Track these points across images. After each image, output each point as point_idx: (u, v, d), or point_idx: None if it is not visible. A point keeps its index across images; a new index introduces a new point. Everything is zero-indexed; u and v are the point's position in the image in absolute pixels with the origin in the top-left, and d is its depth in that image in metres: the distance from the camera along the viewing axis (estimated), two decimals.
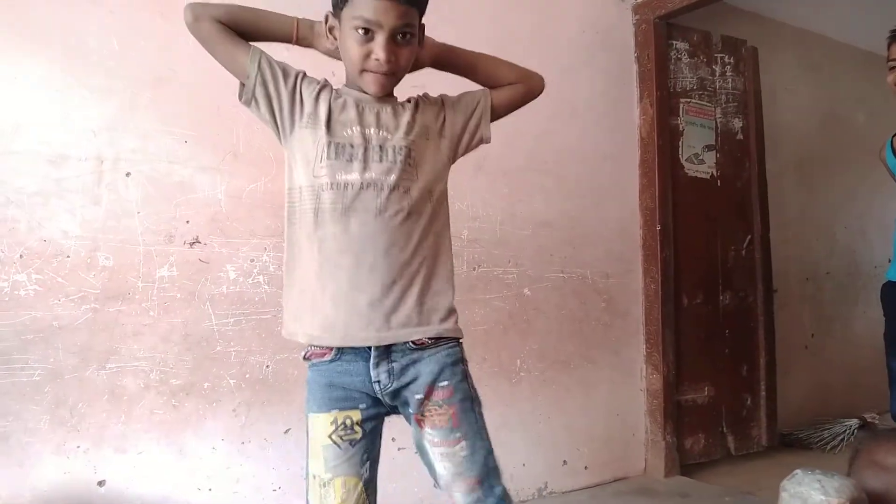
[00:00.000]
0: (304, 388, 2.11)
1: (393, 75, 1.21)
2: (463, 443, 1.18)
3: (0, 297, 1.73)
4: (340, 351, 1.18)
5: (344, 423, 1.17)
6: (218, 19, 1.20)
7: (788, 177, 3.64)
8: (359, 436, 1.18)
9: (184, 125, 1.98)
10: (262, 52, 1.22)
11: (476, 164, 2.42)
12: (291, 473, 2.05)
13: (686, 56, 3.09)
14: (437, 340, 1.21)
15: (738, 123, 3.23)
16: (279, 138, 1.24)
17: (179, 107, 1.98)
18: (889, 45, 2.15)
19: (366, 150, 1.19)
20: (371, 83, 1.20)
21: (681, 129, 3.04)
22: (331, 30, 1.24)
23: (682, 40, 3.07)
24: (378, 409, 1.21)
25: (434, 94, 1.34)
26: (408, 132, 1.23)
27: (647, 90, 2.95)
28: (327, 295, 1.17)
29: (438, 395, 1.19)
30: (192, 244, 1.98)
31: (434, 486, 1.24)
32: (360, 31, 1.15)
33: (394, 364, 1.18)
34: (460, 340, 1.27)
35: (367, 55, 1.17)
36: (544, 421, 2.59)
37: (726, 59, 3.21)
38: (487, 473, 1.19)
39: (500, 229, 2.52)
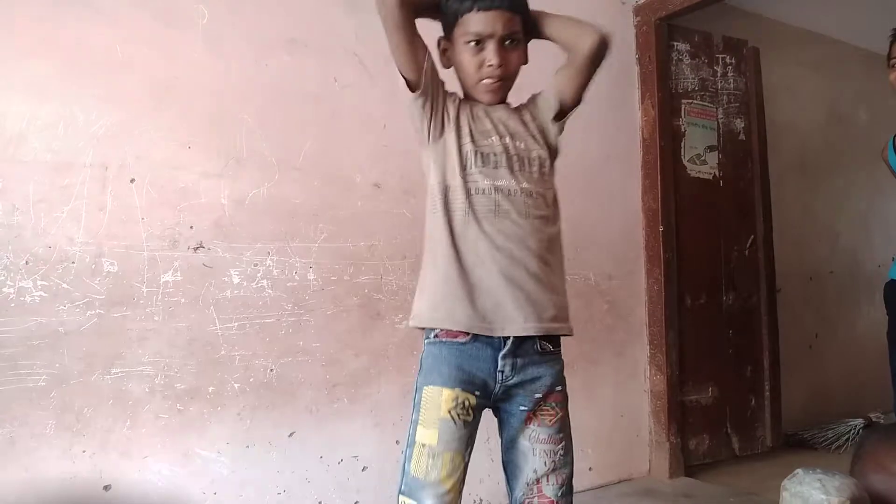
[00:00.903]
0: (308, 390, 2.12)
1: (505, 80, 1.31)
2: (564, 443, 1.29)
3: (6, 303, 1.74)
4: (476, 337, 1.24)
5: (463, 402, 1.23)
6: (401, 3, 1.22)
7: (791, 176, 3.64)
8: (471, 418, 1.24)
9: (187, 132, 2.00)
10: (431, 57, 1.29)
11: None
12: (296, 476, 2.06)
13: (687, 57, 3.09)
14: (557, 347, 1.31)
15: (739, 124, 3.24)
16: (423, 138, 1.31)
17: (182, 114, 1.99)
18: (891, 44, 2.16)
19: (508, 158, 1.29)
20: (484, 92, 1.31)
21: (683, 129, 3.05)
22: (444, 52, 1.34)
23: (683, 41, 3.08)
24: (485, 401, 1.27)
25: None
26: (537, 140, 1.34)
27: (649, 91, 2.96)
28: (482, 288, 1.24)
29: (553, 399, 1.28)
30: (195, 249, 1.99)
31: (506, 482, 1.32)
32: (473, 44, 1.26)
33: (518, 359, 1.25)
34: None
35: (481, 64, 1.27)
36: None
37: (727, 60, 3.22)
38: (572, 473, 1.31)
39: None
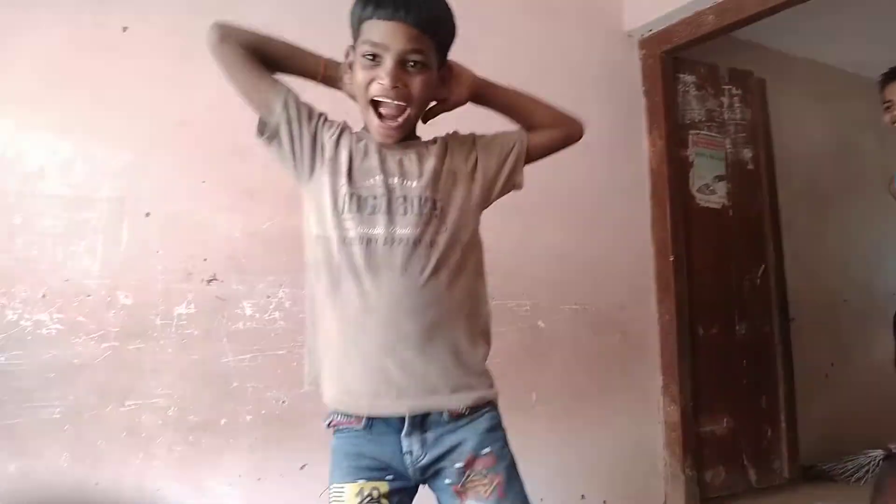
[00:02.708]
0: (320, 422, 2.12)
1: (402, 109, 1.11)
2: None
3: (23, 335, 1.76)
4: (370, 420, 1.10)
5: (370, 494, 1.08)
6: (246, 46, 1.13)
7: (801, 205, 3.64)
8: None
9: (201, 166, 2.04)
10: (289, 89, 1.16)
11: None
12: None
13: (694, 88, 3.13)
14: (475, 409, 1.13)
15: (748, 154, 3.25)
16: (296, 180, 1.18)
17: (197, 149, 2.04)
18: (883, 87, 2.19)
19: (389, 201, 1.10)
20: (376, 128, 1.12)
21: (691, 160, 3.07)
22: (350, 65, 1.16)
23: (689, 73, 3.11)
24: (406, 483, 1.12)
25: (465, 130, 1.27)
26: (434, 180, 1.14)
27: (656, 123, 2.99)
28: (352, 359, 1.10)
29: (481, 464, 1.10)
30: (209, 282, 2.01)
31: None
32: (368, 57, 1.08)
33: (427, 434, 1.09)
34: (496, 404, 1.19)
35: (371, 80, 1.09)
36: (561, 455, 2.56)
37: (734, 91, 3.25)
38: None
39: (513, 262, 2.54)
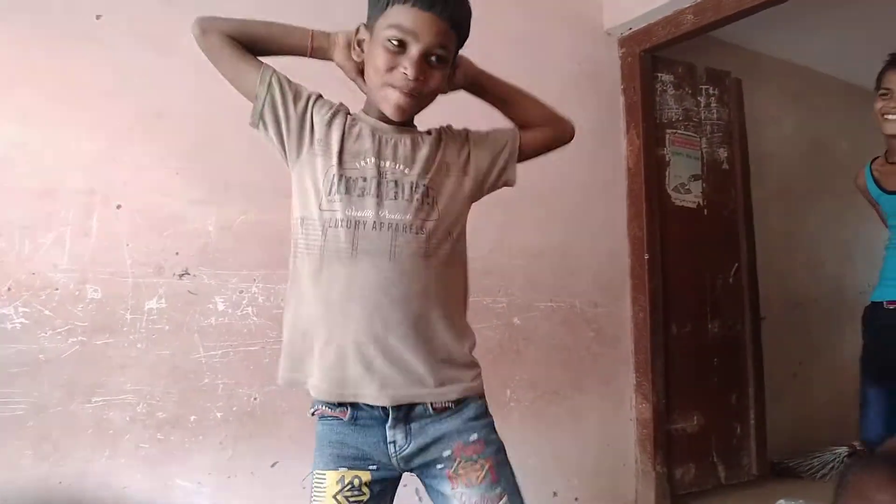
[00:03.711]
0: (292, 419, 2.10)
1: (417, 98, 1.10)
2: (506, 498, 1.10)
3: None
4: (355, 409, 1.09)
5: (351, 483, 1.08)
6: (227, 33, 1.13)
7: (774, 205, 3.69)
8: (366, 498, 1.09)
9: (175, 158, 2.00)
10: (273, 71, 1.14)
11: None
12: None
13: (671, 88, 3.14)
14: (463, 400, 1.12)
15: (723, 153, 3.28)
16: (286, 163, 1.16)
17: (171, 140, 2.00)
18: (883, 74, 2.18)
19: (379, 184, 1.09)
20: (391, 103, 1.09)
21: (667, 159, 3.09)
22: (360, 42, 1.14)
23: (667, 72, 3.13)
24: (391, 473, 1.12)
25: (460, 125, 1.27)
26: (426, 168, 1.13)
27: (634, 122, 3.00)
28: (334, 347, 1.07)
29: (471, 450, 1.10)
30: (181, 276, 1.98)
31: None
32: (394, 42, 1.05)
33: (412, 424, 1.09)
34: (482, 393, 1.18)
35: (394, 68, 1.07)
36: (534, 452, 2.58)
37: (711, 91, 3.27)
38: None
39: (490, 258, 2.54)
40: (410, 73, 1.06)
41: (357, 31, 1.15)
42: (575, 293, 2.78)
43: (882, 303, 2.23)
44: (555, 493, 2.61)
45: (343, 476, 1.08)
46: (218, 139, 2.05)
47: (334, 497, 1.08)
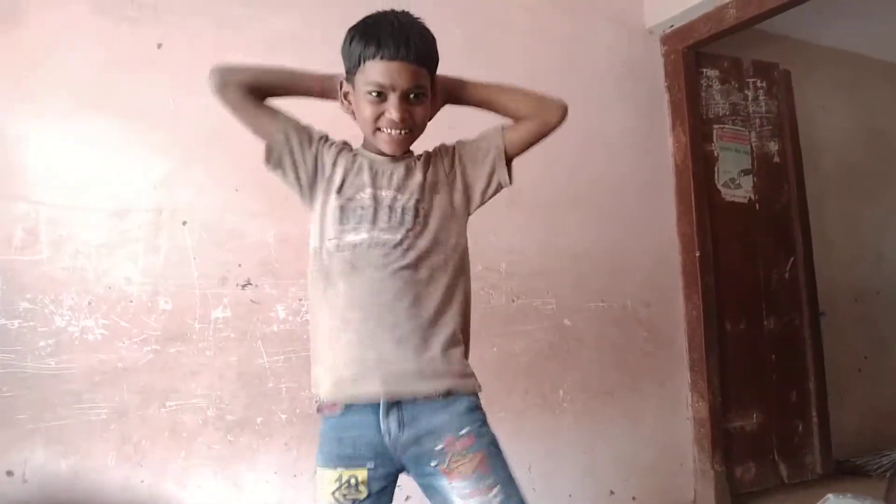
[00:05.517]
0: None
1: (408, 133, 1.22)
2: (497, 488, 1.14)
3: (71, 341, 1.86)
4: (349, 406, 1.17)
5: (348, 481, 1.14)
6: (244, 84, 1.24)
7: (830, 196, 3.60)
8: (363, 496, 1.15)
9: (235, 176, 2.11)
10: (286, 120, 1.27)
11: (509, 199, 2.46)
12: None
13: (717, 83, 3.12)
14: (449, 395, 1.18)
15: (773, 146, 3.23)
16: (301, 201, 1.29)
17: (230, 159, 2.10)
18: None
19: (375, 210, 1.21)
20: (385, 143, 1.22)
21: (716, 154, 3.06)
22: (345, 95, 1.26)
23: (711, 68, 3.11)
24: (388, 469, 1.18)
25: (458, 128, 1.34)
26: (418, 191, 1.24)
27: (679, 118, 2.99)
28: (337, 351, 1.18)
29: (461, 444, 1.16)
30: (244, 286, 2.09)
31: None
32: (374, 94, 1.17)
33: (404, 412, 1.16)
34: (477, 394, 1.23)
35: (380, 115, 1.19)
36: (590, 451, 2.59)
37: (758, 84, 3.23)
38: None
39: (537, 261, 2.57)
40: (396, 116, 1.18)
41: (340, 85, 1.27)
42: (626, 293, 2.78)
43: None
44: (612, 492, 2.61)
45: (340, 475, 1.15)
46: None
47: (332, 495, 1.15)
